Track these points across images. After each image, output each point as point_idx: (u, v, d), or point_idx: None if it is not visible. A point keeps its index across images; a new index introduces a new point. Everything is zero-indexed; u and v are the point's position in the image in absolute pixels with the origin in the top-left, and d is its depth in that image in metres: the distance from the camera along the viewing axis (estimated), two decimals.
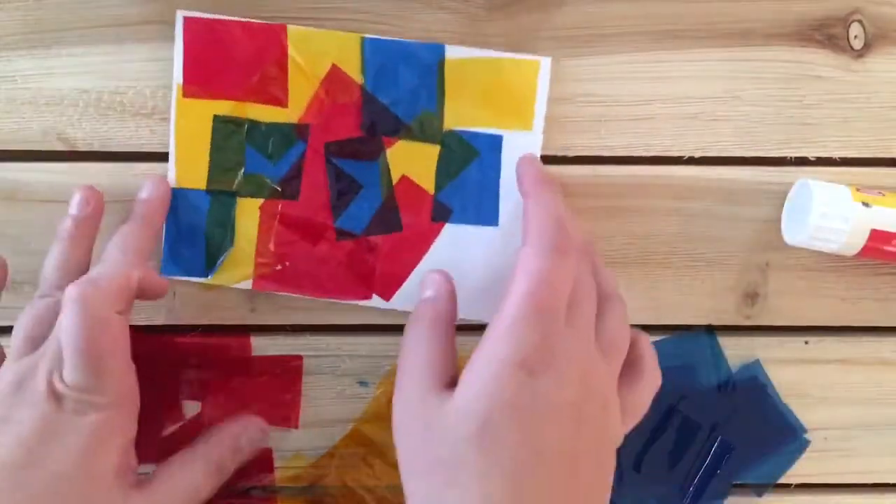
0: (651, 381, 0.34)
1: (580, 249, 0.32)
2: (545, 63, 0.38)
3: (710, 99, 0.40)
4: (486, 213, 0.39)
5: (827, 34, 0.40)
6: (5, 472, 0.30)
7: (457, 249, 0.39)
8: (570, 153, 0.40)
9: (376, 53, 0.38)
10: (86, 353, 0.31)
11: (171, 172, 0.39)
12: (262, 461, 0.43)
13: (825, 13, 0.39)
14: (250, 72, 0.38)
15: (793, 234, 0.39)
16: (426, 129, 0.38)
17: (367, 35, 0.38)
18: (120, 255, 0.35)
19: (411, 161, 0.39)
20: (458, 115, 0.38)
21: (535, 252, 0.30)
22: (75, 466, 0.31)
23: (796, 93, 0.40)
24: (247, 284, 0.40)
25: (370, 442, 0.43)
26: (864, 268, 0.42)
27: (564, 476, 0.28)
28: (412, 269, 0.40)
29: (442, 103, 0.38)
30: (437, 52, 0.38)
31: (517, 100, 0.38)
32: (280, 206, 0.39)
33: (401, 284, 0.40)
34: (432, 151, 0.39)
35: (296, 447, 0.43)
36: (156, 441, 0.42)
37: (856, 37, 0.40)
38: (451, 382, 0.30)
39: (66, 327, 0.31)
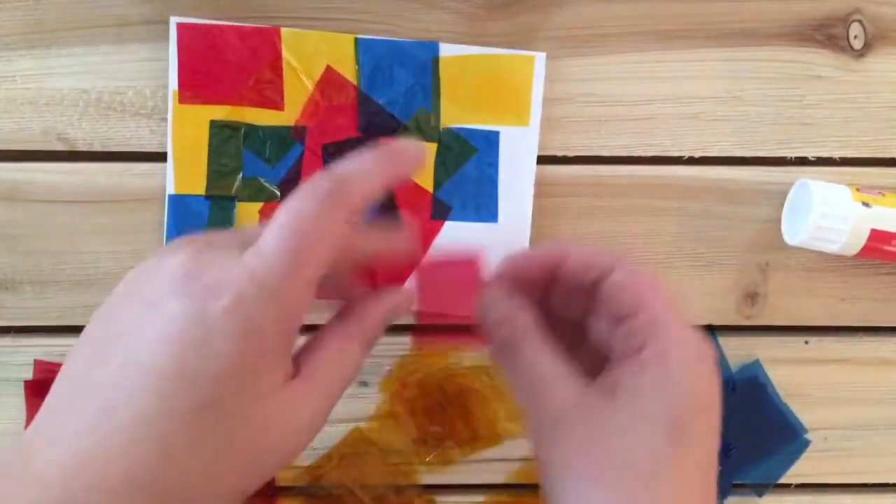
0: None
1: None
2: (540, 58, 0.38)
3: (710, 99, 0.40)
4: (485, 210, 0.39)
5: (827, 34, 0.40)
6: (181, 346, 0.23)
7: None
8: (570, 153, 0.40)
9: (370, 53, 0.38)
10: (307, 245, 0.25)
11: (170, 179, 0.39)
12: None
13: (825, 13, 0.39)
14: (245, 76, 0.38)
15: (793, 234, 0.39)
16: (423, 127, 0.39)
17: (361, 35, 0.38)
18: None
19: None
20: (454, 113, 0.39)
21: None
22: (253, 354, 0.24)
23: (796, 93, 0.40)
24: None
25: (370, 442, 0.43)
26: (863, 268, 0.42)
27: (712, 469, 0.28)
28: (413, 268, 0.40)
29: (437, 101, 0.38)
30: (431, 50, 0.38)
31: (513, 96, 0.39)
32: None
33: (402, 283, 0.39)
34: (430, 150, 0.39)
35: None
36: None
37: (856, 37, 0.40)
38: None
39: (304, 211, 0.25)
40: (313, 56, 0.38)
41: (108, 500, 0.23)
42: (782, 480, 0.44)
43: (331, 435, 0.43)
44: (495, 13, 0.39)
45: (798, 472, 0.44)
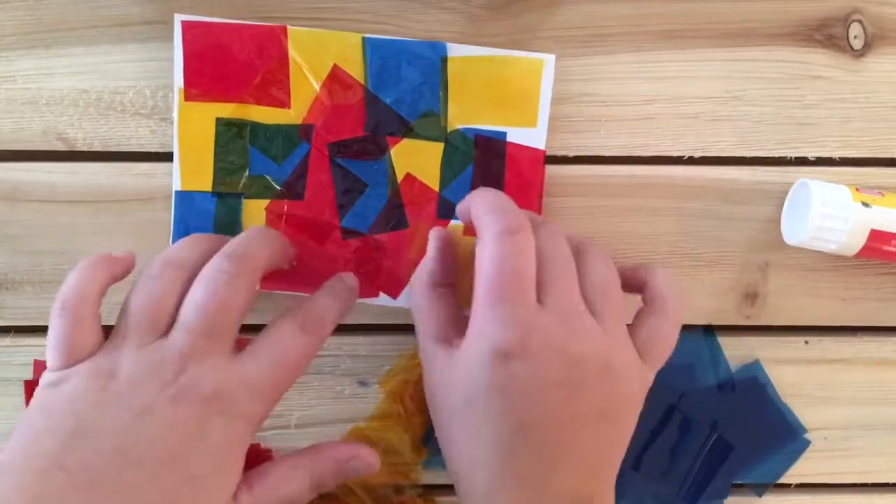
0: (668, 314, 0.34)
1: (529, 221, 0.32)
2: (549, 60, 0.38)
3: (710, 99, 0.40)
4: None
5: (827, 34, 0.40)
6: (142, 466, 0.29)
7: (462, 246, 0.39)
8: (570, 153, 0.40)
9: (378, 53, 0.38)
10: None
11: (177, 175, 0.39)
12: (263, 461, 0.43)
13: (825, 13, 0.39)
14: (251, 74, 0.38)
15: (792, 234, 0.39)
16: (430, 127, 0.39)
17: (369, 35, 0.38)
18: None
19: (416, 159, 0.39)
20: (462, 113, 0.39)
21: (488, 240, 0.31)
22: (214, 465, 0.30)
23: (796, 93, 0.40)
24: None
25: (371, 442, 0.43)
26: (863, 268, 0.42)
27: (557, 441, 0.30)
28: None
29: (445, 101, 0.38)
30: (439, 50, 0.38)
31: (521, 97, 0.38)
32: (286, 207, 0.39)
33: (407, 282, 0.39)
34: (436, 149, 0.39)
35: (295, 446, 0.43)
36: None
37: (856, 37, 0.40)
38: (458, 334, 0.33)
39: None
40: (320, 54, 0.38)
41: None
42: (782, 480, 0.44)
43: (330, 435, 0.43)
44: (496, 13, 0.39)
45: (798, 472, 0.44)
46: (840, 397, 0.43)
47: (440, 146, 0.39)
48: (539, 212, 0.39)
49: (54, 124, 0.39)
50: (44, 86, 0.39)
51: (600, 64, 0.39)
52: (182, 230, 0.39)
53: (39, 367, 0.42)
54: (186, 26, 0.37)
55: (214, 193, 0.39)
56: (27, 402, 0.42)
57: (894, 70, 0.40)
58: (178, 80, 0.38)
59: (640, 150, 0.40)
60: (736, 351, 0.43)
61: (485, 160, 0.39)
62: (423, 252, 0.38)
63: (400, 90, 0.38)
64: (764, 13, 0.39)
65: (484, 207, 0.32)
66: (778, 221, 0.41)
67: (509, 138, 0.39)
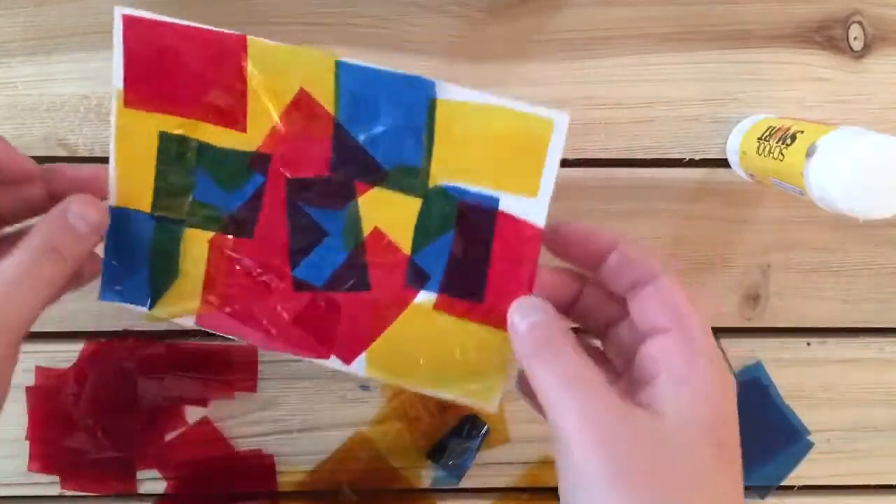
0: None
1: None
2: (561, 121, 0.30)
3: (710, 101, 0.40)
4: (470, 286, 0.32)
5: (827, 36, 0.40)
6: None
7: (430, 322, 0.33)
8: (571, 156, 0.40)
9: (353, 81, 0.31)
10: None
11: (112, 188, 0.33)
12: (265, 466, 0.43)
13: (825, 15, 0.39)
14: (203, 86, 0.32)
15: (872, 206, 0.32)
16: (408, 178, 0.31)
17: (344, 59, 0.31)
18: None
19: (387, 213, 0.32)
20: (448, 167, 0.31)
21: (686, 301, 0.29)
22: None
23: (796, 94, 0.40)
24: (189, 320, 0.34)
25: (373, 446, 0.43)
26: (864, 269, 0.42)
27: None
28: (378, 335, 0.33)
29: (429, 150, 0.31)
30: (427, 89, 0.31)
31: (522, 158, 0.31)
32: (231, 243, 0.33)
33: (364, 349, 0.33)
34: (413, 205, 0.32)
35: (298, 451, 0.43)
36: (158, 447, 0.42)
37: (855, 38, 0.40)
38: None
39: None
40: (284, 73, 0.31)
41: None
42: (785, 482, 0.44)
43: (333, 439, 0.42)
44: (496, 17, 0.39)
45: (801, 474, 0.44)
46: (843, 399, 0.43)
47: (417, 202, 0.32)
48: (529, 290, 0.31)
49: (55, 130, 0.39)
50: (45, 92, 0.39)
51: (600, 67, 0.40)
52: (112, 250, 0.33)
53: (41, 373, 0.42)
54: (128, 22, 0.31)
55: (153, 216, 0.33)
56: (29, 408, 0.42)
57: (894, 71, 0.40)
58: (118, 81, 0.32)
59: (640, 152, 0.41)
60: (738, 352, 0.43)
61: (468, 229, 0.32)
62: (383, 320, 0.33)
63: (376, 130, 0.31)
64: (763, 15, 0.39)
65: (700, 322, 0.30)
66: (778, 223, 0.41)
67: (501, 206, 0.31)
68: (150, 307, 0.34)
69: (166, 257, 0.33)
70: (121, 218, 0.33)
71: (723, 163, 0.40)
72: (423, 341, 0.32)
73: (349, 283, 0.33)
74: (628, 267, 0.30)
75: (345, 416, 0.42)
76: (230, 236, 0.33)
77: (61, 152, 0.39)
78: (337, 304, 0.33)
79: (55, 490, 0.43)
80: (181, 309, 0.34)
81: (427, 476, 0.43)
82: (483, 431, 0.43)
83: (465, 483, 0.43)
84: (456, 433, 0.43)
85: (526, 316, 0.30)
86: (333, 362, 0.34)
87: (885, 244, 0.42)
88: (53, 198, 0.32)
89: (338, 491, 0.43)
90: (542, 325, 0.29)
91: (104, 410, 0.42)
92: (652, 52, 0.40)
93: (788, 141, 0.34)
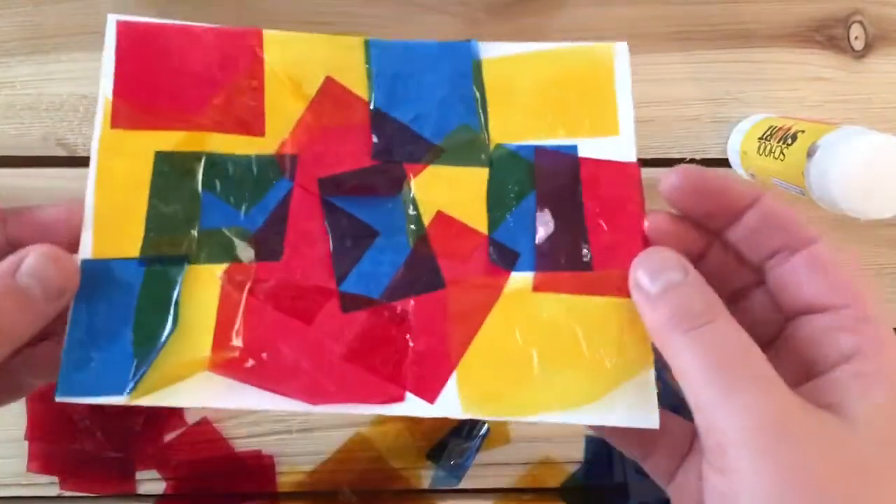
0: None
1: None
2: (621, 48, 0.28)
3: (710, 101, 0.40)
4: (571, 253, 0.27)
5: (827, 35, 0.40)
6: None
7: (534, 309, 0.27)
8: None
9: (387, 60, 0.29)
10: None
11: (87, 237, 0.26)
12: (265, 466, 0.43)
13: (826, 14, 0.39)
14: (211, 90, 0.28)
15: (872, 206, 0.32)
16: (467, 146, 0.28)
17: (373, 38, 0.29)
18: None
19: (449, 192, 0.28)
20: (509, 129, 0.28)
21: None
22: None
23: (797, 94, 0.40)
24: (195, 398, 0.25)
25: (374, 446, 0.42)
26: (864, 269, 0.42)
27: None
28: (467, 345, 0.26)
29: (485, 115, 0.28)
30: (469, 52, 0.29)
31: (590, 97, 0.28)
32: (254, 272, 0.26)
33: (452, 369, 0.26)
34: (478, 177, 0.28)
35: (298, 452, 0.43)
36: (157, 447, 0.42)
37: (856, 38, 0.40)
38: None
39: None
40: (307, 64, 0.28)
41: None
42: None
43: (333, 439, 0.42)
44: (496, 16, 0.39)
45: None
46: None
47: (483, 172, 0.28)
48: (644, 240, 0.27)
49: (54, 130, 0.39)
50: (44, 91, 0.39)
51: None
52: (81, 314, 0.25)
53: None
54: (123, 30, 0.28)
55: (143, 260, 0.26)
56: (28, 408, 0.42)
57: (894, 71, 0.40)
58: (104, 96, 0.27)
59: (641, 152, 0.40)
60: None
61: (550, 188, 0.28)
62: (471, 322, 0.26)
63: (420, 105, 0.28)
64: (764, 15, 0.39)
65: (870, 296, 0.24)
66: None
67: (581, 153, 0.28)
68: (132, 388, 0.25)
69: (159, 309, 0.26)
70: (99, 272, 0.26)
71: (724, 163, 0.40)
72: (530, 338, 0.26)
73: (417, 284, 0.27)
74: (773, 228, 0.24)
75: (345, 416, 0.42)
76: (252, 264, 0.27)
77: (60, 152, 0.39)
78: (404, 316, 0.26)
79: (54, 490, 0.42)
80: (179, 373, 0.25)
81: (427, 476, 0.43)
82: (483, 431, 0.43)
83: (465, 483, 0.43)
84: (456, 433, 0.43)
85: (657, 275, 0.24)
86: (412, 404, 0.25)
87: (885, 244, 0.42)
88: (13, 245, 0.25)
89: (337, 491, 0.43)
90: (681, 288, 0.23)
91: (103, 411, 0.42)
92: (651, 52, 0.40)
93: (789, 141, 0.34)
